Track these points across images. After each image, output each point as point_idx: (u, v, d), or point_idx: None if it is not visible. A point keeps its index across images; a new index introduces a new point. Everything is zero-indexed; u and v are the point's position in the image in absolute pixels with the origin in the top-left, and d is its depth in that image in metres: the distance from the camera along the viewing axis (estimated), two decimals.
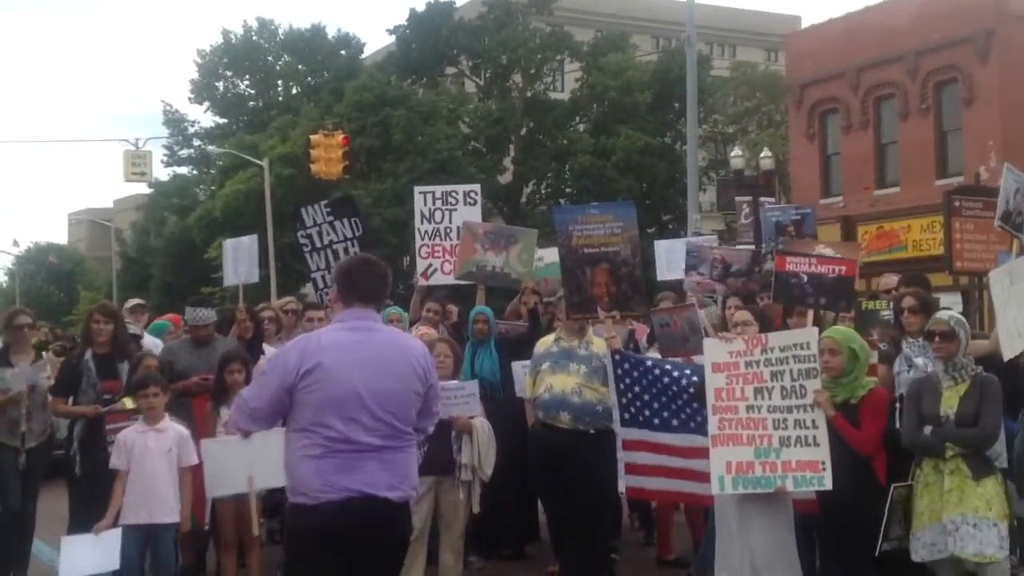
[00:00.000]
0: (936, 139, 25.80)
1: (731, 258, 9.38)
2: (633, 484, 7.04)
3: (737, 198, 27.60)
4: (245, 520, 7.10)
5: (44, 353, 8.72)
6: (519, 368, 8.07)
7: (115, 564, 6.27)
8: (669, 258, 10.54)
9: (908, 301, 6.77)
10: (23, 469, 7.63)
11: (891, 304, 7.46)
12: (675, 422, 6.86)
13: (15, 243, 66.00)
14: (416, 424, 4.65)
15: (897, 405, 6.46)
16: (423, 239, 9.90)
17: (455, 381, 7.20)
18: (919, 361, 6.49)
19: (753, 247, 9.48)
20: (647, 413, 6.92)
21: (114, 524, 6.35)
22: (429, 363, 4.67)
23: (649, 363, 7.10)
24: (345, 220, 9.27)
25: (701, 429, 6.44)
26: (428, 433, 4.70)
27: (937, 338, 5.82)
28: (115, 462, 6.44)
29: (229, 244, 9.40)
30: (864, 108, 27.36)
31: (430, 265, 9.87)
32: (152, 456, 6.44)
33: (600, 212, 7.44)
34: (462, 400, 7.04)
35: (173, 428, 6.58)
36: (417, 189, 10.38)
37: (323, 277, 9.29)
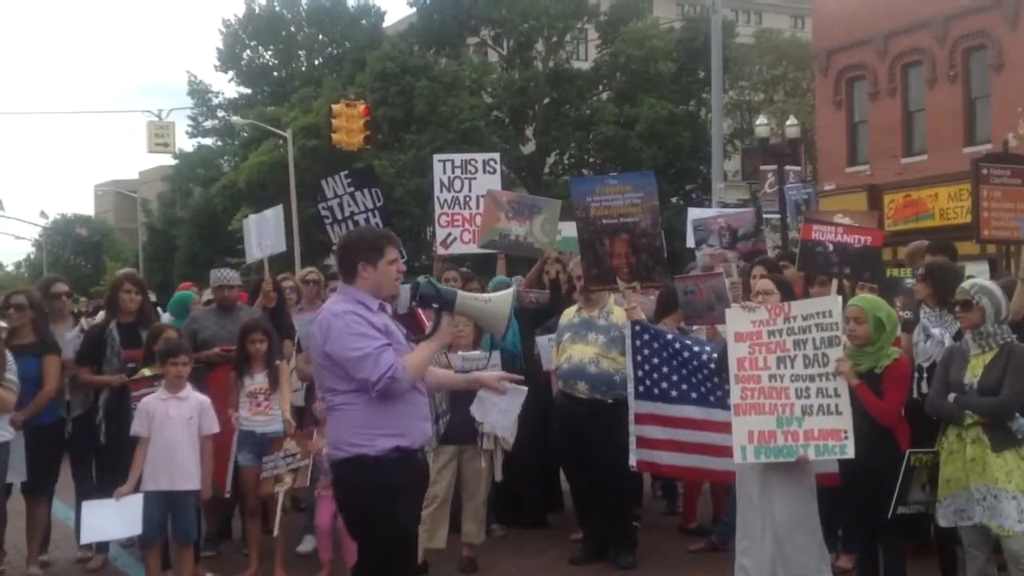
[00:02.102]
0: (964, 106, 25.48)
1: (735, 223, 9.32)
2: (644, 458, 7.02)
3: (762, 167, 27.39)
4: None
5: (82, 320, 8.76)
6: (544, 341, 8.05)
7: (137, 529, 6.35)
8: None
9: (920, 270, 6.73)
10: (68, 439, 7.69)
11: (915, 271, 7.40)
12: (694, 395, 6.83)
13: (42, 215, 66.43)
14: (346, 387, 4.66)
15: (916, 375, 6.41)
16: (442, 208, 9.87)
17: (477, 352, 7.21)
18: (935, 331, 6.42)
19: (754, 208, 9.47)
20: (664, 385, 6.90)
21: (135, 490, 6.41)
22: (324, 329, 4.67)
23: (670, 336, 7.07)
24: (366, 191, 9.22)
25: (720, 403, 6.42)
26: (374, 391, 4.53)
27: (958, 307, 5.78)
28: (136, 429, 6.49)
29: (252, 220, 9.39)
30: (891, 75, 27.04)
31: (449, 234, 9.85)
32: (173, 424, 6.49)
33: (619, 182, 7.40)
34: (485, 369, 7.04)
35: (194, 397, 6.63)
36: (436, 157, 10.33)
37: None
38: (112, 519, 6.33)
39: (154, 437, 6.46)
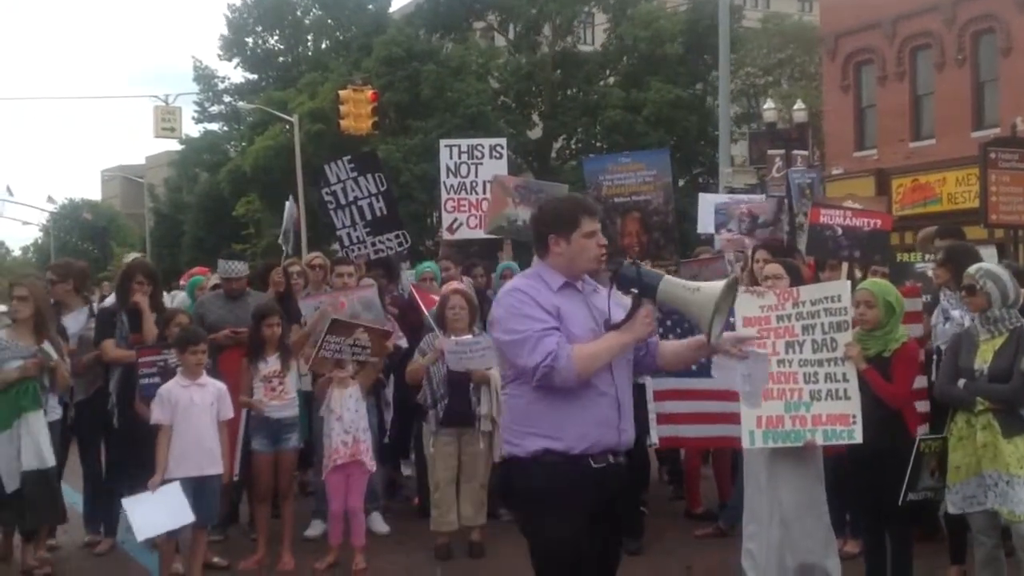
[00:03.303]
0: (973, 90, 25.37)
1: (757, 210, 9.31)
2: (666, 433, 7.04)
3: (770, 151, 27.28)
4: (281, 472, 7.18)
5: (93, 304, 8.76)
6: None
7: (189, 517, 6.30)
8: (711, 212, 10.40)
9: (939, 255, 6.69)
10: (71, 424, 7.71)
11: (926, 256, 7.38)
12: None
13: (49, 200, 66.38)
14: (511, 375, 4.10)
15: (935, 357, 6.39)
16: (448, 193, 9.84)
17: (470, 336, 7.21)
18: (955, 313, 6.41)
19: (778, 195, 9.42)
20: None
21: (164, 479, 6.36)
22: (494, 308, 4.16)
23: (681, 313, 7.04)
24: (369, 175, 9.22)
25: None
26: (533, 381, 3.89)
27: (963, 292, 5.76)
28: (158, 417, 6.42)
29: (287, 206, 9.45)
30: (900, 59, 26.91)
31: (455, 219, 9.83)
32: (198, 411, 6.47)
33: (632, 160, 7.42)
34: (478, 353, 7.06)
35: (212, 383, 6.62)
36: (443, 143, 10.31)
37: (348, 235, 9.26)
38: (158, 512, 6.25)
39: (180, 424, 6.41)
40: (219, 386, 6.65)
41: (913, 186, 25.60)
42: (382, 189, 9.17)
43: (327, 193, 9.34)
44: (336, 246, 10.14)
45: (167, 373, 6.74)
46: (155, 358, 6.91)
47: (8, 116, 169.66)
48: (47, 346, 6.89)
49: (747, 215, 9.30)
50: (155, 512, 6.27)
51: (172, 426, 6.40)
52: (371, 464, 7.13)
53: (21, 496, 6.75)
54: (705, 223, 10.48)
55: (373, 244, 9.13)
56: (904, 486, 5.63)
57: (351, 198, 9.18)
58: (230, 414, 6.69)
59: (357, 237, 9.20)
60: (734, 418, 6.45)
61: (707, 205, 10.63)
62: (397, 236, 9.17)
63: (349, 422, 6.95)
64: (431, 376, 7.24)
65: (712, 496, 8.30)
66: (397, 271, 9.27)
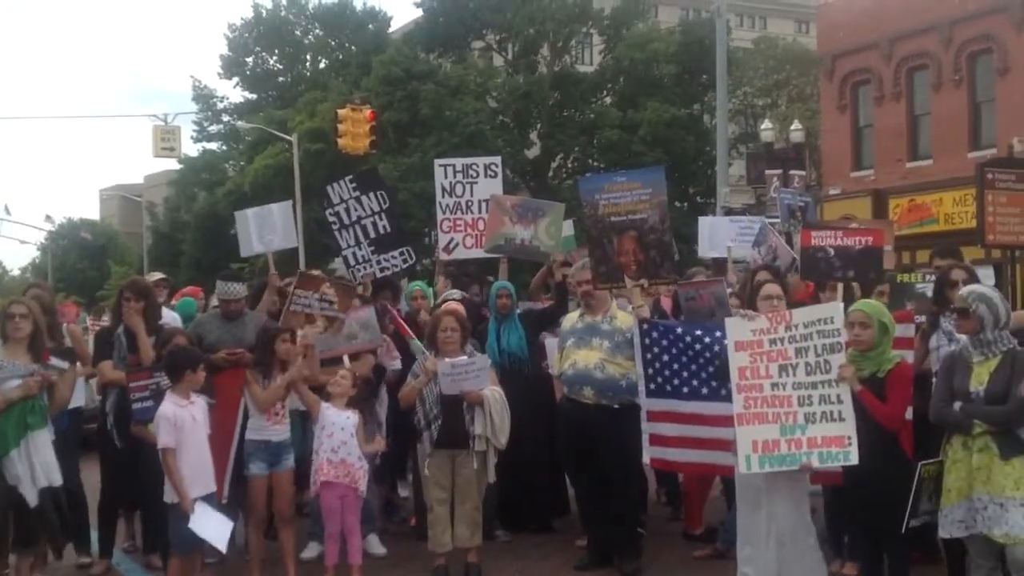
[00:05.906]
0: (969, 110, 25.40)
1: (779, 252, 9.33)
2: (657, 455, 7.04)
3: (767, 171, 27.34)
4: (281, 494, 7.15)
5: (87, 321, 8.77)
6: (554, 344, 8.03)
7: (229, 523, 6.44)
8: (712, 235, 10.40)
9: (958, 274, 6.65)
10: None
11: (926, 276, 7.37)
12: (705, 390, 6.83)
13: (48, 219, 66.46)
14: None
15: (934, 380, 6.38)
16: (444, 213, 9.82)
17: (465, 357, 7.20)
18: (964, 337, 6.39)
19: (795, 259, 9.43)
20: (676, 382, 6.89)
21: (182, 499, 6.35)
22: None
23: (679, 330, 7.05)
24: (371, 194, 9.19)
25: (731, 398, 6.42)
26: None
27: (955, 315, 5.76)
28: (166, 441, 6.32)
29: (250, 213, 9.37)
30: (897, 79, 26.97)
31: (452, 239, 9.80)
32: (199, 428, 6.46)
33: (627, 179, 7.43)
34: (472, 374, 7.05)
35: (199, 398, 6.60)
36: (437, 162, 10.27)
37: (353, 254, 9.25)
38: (211, 522, 6.34)
39: (187, 445, 6.36)
40: (203, 400, 6.63)
41: (910, 206, 25.61)
42: (385, 207, 9.13)
43: (331, 214, 9.30)
44: (334, 264, 10.10)
45: (160, 396, 6.68)
46: (146, 382, 6.85)
47: (6, 135, 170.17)
48: (55, 361, 6.84)
49: (771, 250, 9.34)
50: (209, 521, 6.33)
51: (177, 448, 6.34)
52: (363, 491, 7.09)
53: (33, 516, 6.73)
54: (704, 247, 10.49)
55: (378, 262, 9.10)
56: (907, 513, 5.60)
57: (355, 217, 9.15)
58: (208, 430, 6.62)
59: (362, 256, 9.17)
60: (724, 444, 6.47)
61: (705, 229, 10.62)
62: (402, 253, 9.16)
63: (339, 441, 6.91)
64: (424, 397, 7.23)
65: (709, 517, 8.26)
66: (399, 291, 9.28)
